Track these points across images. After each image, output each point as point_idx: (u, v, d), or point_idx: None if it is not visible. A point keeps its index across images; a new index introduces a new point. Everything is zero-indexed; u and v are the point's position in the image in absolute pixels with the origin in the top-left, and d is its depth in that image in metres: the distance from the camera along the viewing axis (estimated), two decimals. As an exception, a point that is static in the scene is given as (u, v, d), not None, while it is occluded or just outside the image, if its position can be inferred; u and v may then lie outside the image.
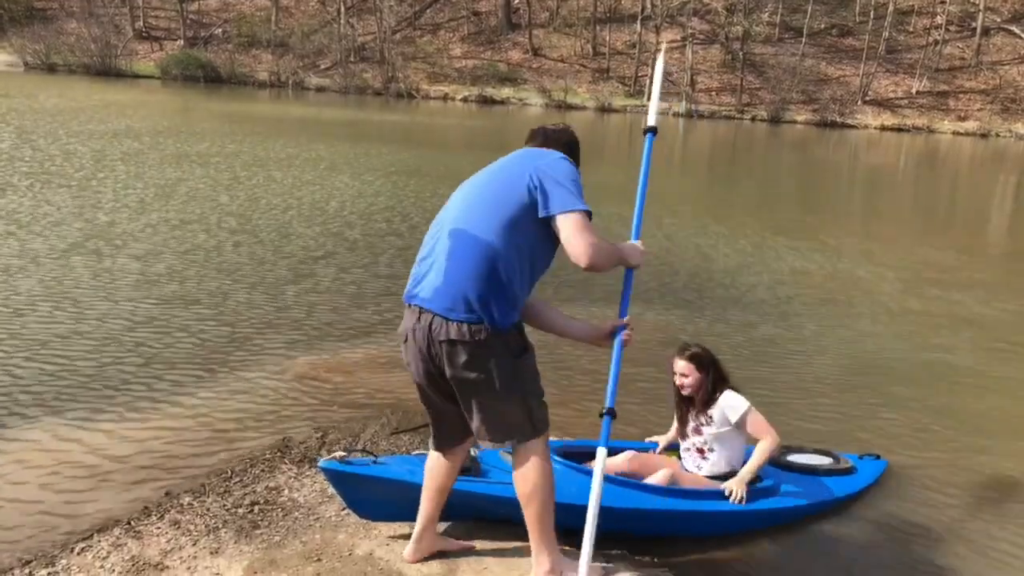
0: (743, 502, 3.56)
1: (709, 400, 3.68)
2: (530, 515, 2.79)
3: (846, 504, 4.00)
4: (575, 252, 2.56)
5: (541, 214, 2.61)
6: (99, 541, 3.19)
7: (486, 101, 42.41)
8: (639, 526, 3.49)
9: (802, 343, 6.68)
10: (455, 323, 2.58)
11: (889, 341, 6.88)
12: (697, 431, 3.73)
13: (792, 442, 4.47)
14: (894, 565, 3.62)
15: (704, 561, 3.48)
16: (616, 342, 2.97)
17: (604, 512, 3.35)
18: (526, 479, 2.77)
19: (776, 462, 4.04)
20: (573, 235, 2.56)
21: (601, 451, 2.90)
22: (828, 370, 6.09)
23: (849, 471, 4.13)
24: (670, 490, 3.55)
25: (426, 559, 3.03)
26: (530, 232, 2.63)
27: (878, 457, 4.44)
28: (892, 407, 5.43)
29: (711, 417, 3.67)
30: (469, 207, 2.70)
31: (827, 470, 4.08)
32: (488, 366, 2.60)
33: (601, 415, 2.94)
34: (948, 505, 4.15)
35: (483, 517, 3.35)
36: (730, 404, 3.64)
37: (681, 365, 3.69)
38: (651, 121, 3.14)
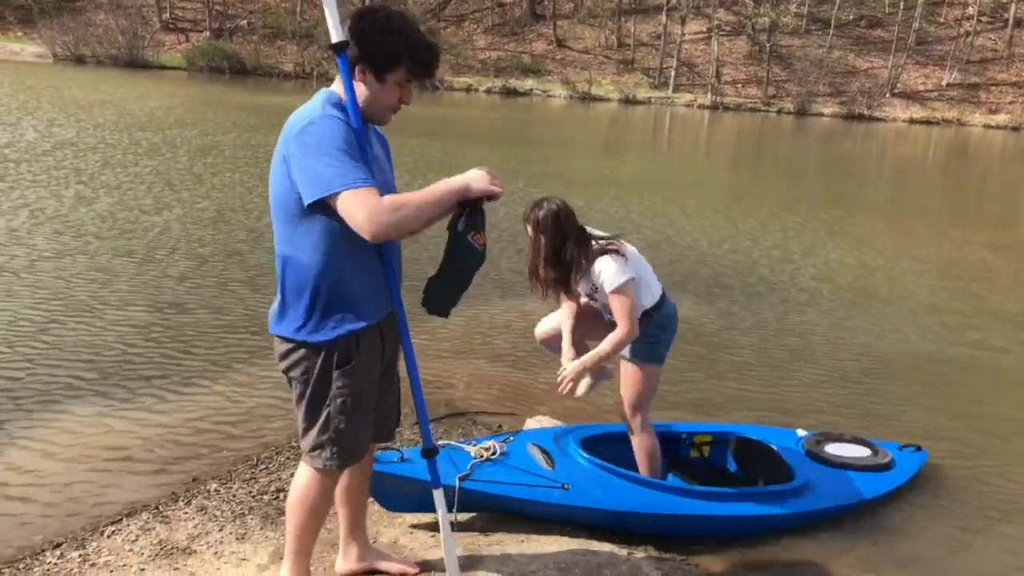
0: (572, 391, 3.39)
1: (576, 265, 3.35)
2: (288, 528, 2.56)
3: (883, 498, 3.90)
4: (357, 229, 2.15)
5: (306, 203, 2.19)
6: (128, 525, 3.24)
7: (510, 92, 42.35)
8: (663, 527, 3.43)
9: (840, 335, 6.67)
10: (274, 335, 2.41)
11: (927, 335, 6.83)
12: (591, 299, 3.54)
13: (831, 429, 4.44)
14: (931, 563, 3.55)
15: (731, 560, 3.43)
16: (409, 364, 2.56)
17: (629, 516, 3.32)
18: (297, 497, 2.51)
19: (812, 454, 3.93)
20: (348, 216, 2.14)
21: (437, 492, 2.63)
22: (866, 361, 6.09)
23: (887, 466, 3.98)
24: (694, 491, 3.49)
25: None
26: (320, 224, 2.22)
27: (919, 448, 4.28)
28: (933, 400, 5.41)
29: (594, 286, 3.39)
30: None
31: (863, 466, 3.94)
32: (293, 372, 2.39)
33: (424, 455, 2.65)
34: (990, 500, 4.08)
35: (503, 510, 3.35)
36: (601, 273, 3.32)
37: (530, 230, 3.41)
38: (335, 37, 2.24)
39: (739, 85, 45.70)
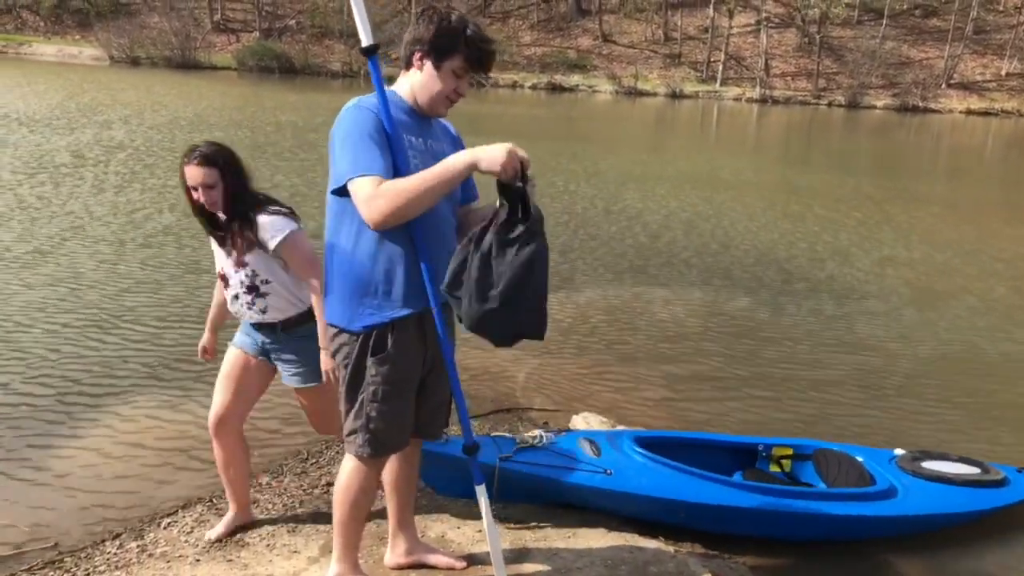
0: (338, 380, 2.51)
1: (241, 216, 2.84)
2: (334, 520, 2.65)
3: (987, 521, 3.53)
4: (362, 217, 2.23)
5: (329, 192, 2.33)
6: (184, 517, 3.32)
7: (555, 88, 42.23)
8: (713, 522, 3.33)
9: (934, 345, 6.37)
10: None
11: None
12: (240, 263, 2.90)
13: (931, 447, 4.07)
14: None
15: (781, 560, 3.36)
16: (447, 361, 2.47)
17: (671, 504, 3.26)
18: (339, 488, 2.58)
19: (909, 471, 3.58)
20: (355, 205, 2.23)
21: (480, 488, 2.58)
22: (958, 374, 5.75)
23: (998, 483, 3.56)
24: (748, 485, 3.35)
25: (414, 567, 2.89)
26: (357, 213, 2.26)
27: None
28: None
29: (250, 240, 2.85)
30: None
31: (967, 480, 3.52)
32: (337, 357, 2.46)
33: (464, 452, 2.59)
34: None
35: (542, 495, 3.34)
36: (268, 226, 2.84)
37: (194, 174, 2.78)
38: (365, 41, 2.33)
39: (788, 78, 44.94)
